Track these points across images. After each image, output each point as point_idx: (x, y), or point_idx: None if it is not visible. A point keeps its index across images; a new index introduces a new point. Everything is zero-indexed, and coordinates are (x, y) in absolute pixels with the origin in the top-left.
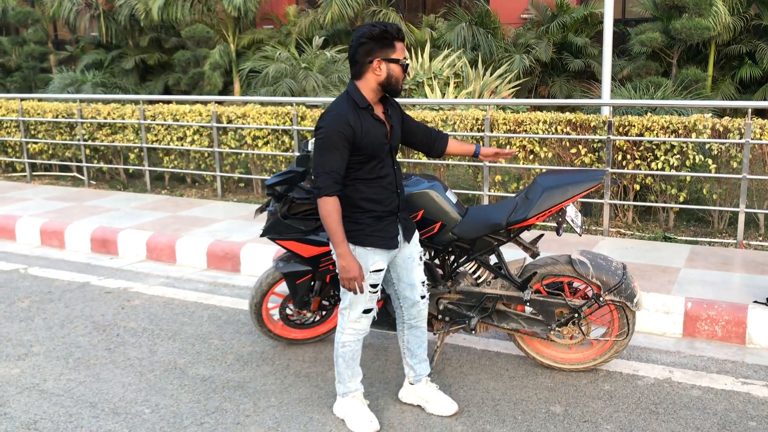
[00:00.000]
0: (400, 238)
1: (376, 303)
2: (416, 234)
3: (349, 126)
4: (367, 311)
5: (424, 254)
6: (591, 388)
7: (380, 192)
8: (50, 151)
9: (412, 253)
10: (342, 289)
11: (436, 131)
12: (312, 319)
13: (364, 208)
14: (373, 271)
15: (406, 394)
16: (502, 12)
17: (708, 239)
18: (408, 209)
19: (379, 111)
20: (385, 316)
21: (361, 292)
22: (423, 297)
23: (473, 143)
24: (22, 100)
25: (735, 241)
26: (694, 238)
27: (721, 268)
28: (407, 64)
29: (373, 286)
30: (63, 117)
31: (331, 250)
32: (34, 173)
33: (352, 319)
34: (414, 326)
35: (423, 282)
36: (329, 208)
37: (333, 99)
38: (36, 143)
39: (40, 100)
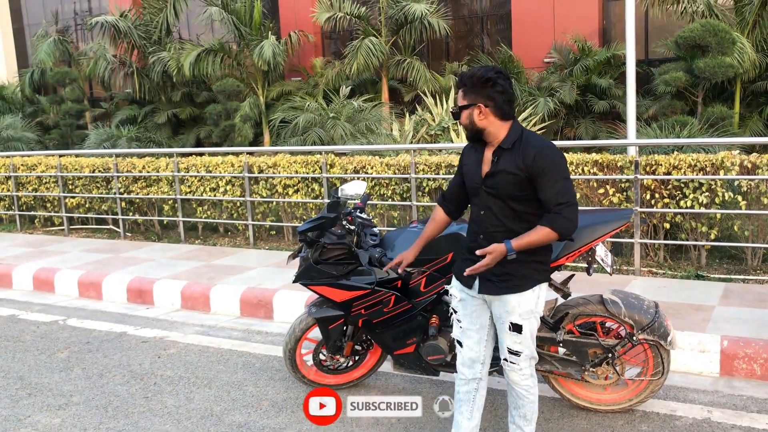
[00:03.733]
0: (477, 283)
1: (470, 341)
2: (510, 301)
3: (463, 154)
4: (456, 342)
5: None
6: (628, 429)
7: (471, 226)
8: (87, 205)
9: (501, 316)
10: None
11: (552, 206)
12: (345, 365)
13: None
14: (452, 294)
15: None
16: (525, 57)
17: (742, 276)
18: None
19: (488, 152)
20: (418, 360)
21: None
22: (505, 359)
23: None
24: (60, 156)
25: None
26: (728, 276)
27: (756, 305)
28: (457, 111)
29: (454, 311)
30: (100, 171)
31: (362, 295)
32: (72, 227)
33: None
34: (501, 374)
35: (513, 351)
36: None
37: (361, 146)
38: (74, 197)
39: (77, 155)
